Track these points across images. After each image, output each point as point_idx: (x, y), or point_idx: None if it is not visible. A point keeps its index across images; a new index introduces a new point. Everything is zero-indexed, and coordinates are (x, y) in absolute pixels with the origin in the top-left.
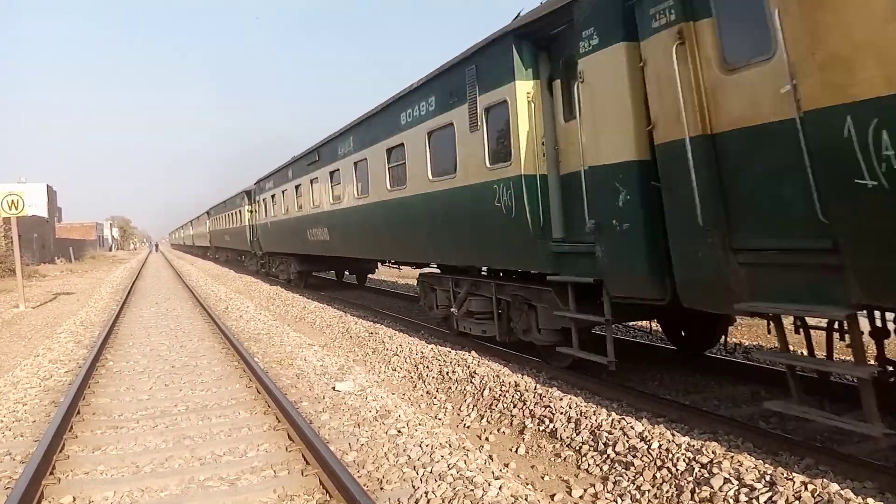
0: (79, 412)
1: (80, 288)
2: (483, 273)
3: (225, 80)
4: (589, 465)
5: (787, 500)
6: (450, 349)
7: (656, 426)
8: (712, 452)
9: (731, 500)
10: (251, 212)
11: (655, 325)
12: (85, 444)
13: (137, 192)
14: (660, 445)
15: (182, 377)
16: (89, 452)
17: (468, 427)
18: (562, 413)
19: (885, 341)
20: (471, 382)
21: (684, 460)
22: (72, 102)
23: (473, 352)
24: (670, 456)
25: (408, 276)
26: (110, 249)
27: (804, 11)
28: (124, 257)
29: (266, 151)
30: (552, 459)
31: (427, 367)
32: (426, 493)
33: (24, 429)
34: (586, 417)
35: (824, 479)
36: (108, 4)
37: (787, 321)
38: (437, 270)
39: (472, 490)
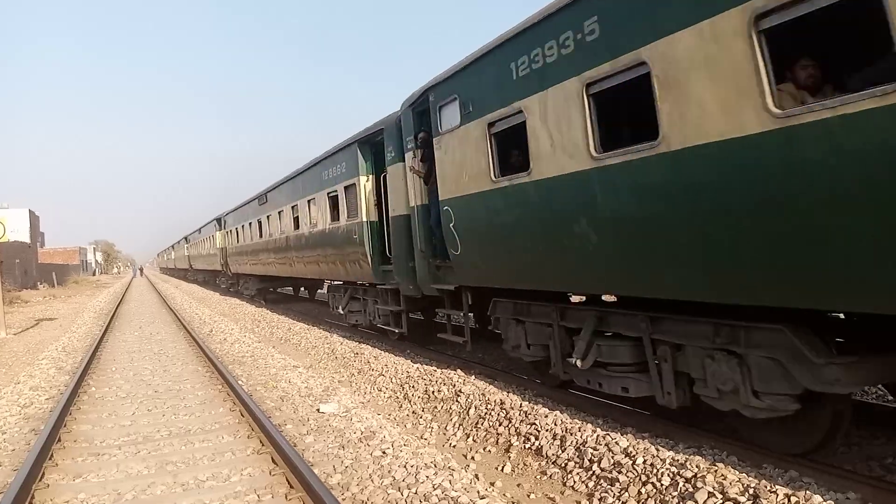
0: (59, 440)
1: (63, 313)
2: None
3: (210, 101)
4: (575, 481)
5: None
6: (435, 368)
7: (641, 441)
8: (696, 466)
9: None
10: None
11: None
12: (65, 472)
13: (121, 217)
14: (644, 461)
15: (165, 402)
16: (70, 480)
17: (454, 446)
18: (547, 430)
19: None
20: (456, 401)
21: (669, 475)
22: (54, 127)
23: (459, 370)
24: (655, 471)
25: None
26: (94, 274)
27: None
28: (108, 282)
29: (249, 172)
30: (538, 477)
31: (413, 386)
32: None
33: (3, 458)
34: (571, 434)
35: (807, 491)
36: (90, 31)
37: None
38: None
39: None
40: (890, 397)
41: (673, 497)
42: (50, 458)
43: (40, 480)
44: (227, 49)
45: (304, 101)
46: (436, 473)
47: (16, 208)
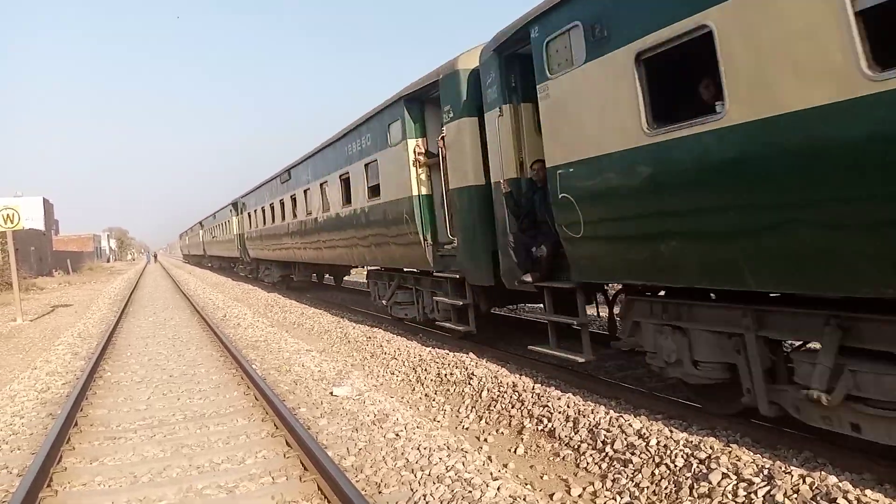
0: (76, 424)
1: (78, 300)
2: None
3: (225, 90)
4: (588, 463)
5: (785, 493)
6: (447, 352)
7: (654, 423)
8: (710, 448)
9: (729, 495)
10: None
11: None
12: (82, 455)
13: (134, 204)
14: (658, 442)
15: (180, 386)
16: (87, 464)
17: (467, 428)
18: (560, 412)
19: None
20: (469, 384)
21: (682, 456)
22: (68, 116)
23: (471, 353)
24: (668, 452)
25: None
26: (108, 261)
27: None
28: (122, 268)
29: (259, 160)
30: (551, 459)
31: (425, 369)
32: (424, 495)
33: (21, 442)
34: (584, 416)
35: (822, 472)
36: (106, 18)
37: None
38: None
39: (471, 492)
40: None
41: (687, 478)
42: (67, 442)
43: (58, 464)
44: (242, 37)
45: (323, 87)
46: (449, 455)
47: (30, 196)
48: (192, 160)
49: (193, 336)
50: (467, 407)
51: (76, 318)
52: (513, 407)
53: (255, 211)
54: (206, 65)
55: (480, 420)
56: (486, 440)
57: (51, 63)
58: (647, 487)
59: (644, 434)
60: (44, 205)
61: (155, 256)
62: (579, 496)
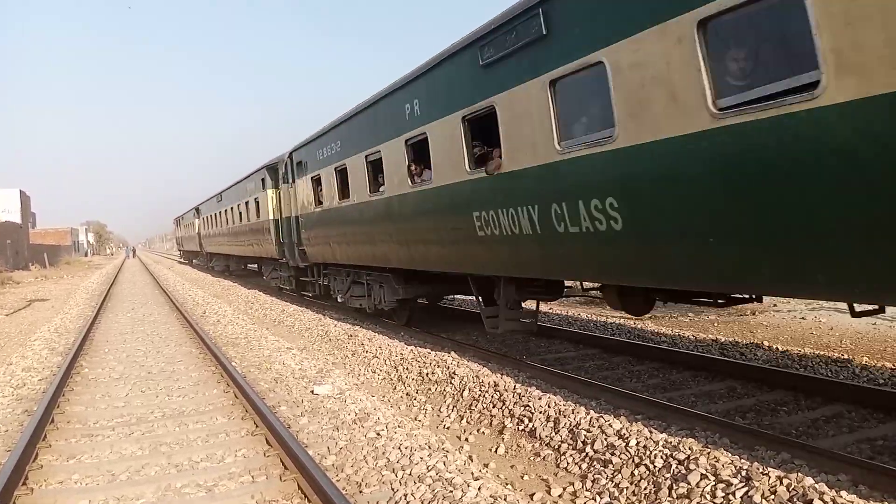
0: (53, 420)
1: (55, 294)
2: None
3: (213, 76)
4: (568, 463)
5: (762, 494)
6: (429, 350)
7: (634, 424)
8: (689, 449)
9: (707, 496)
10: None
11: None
12: (59, 452)
13: (113, 198)
14: (637, 443)
15: (159, 383)
16: (63, 461)
17: (448, 428)
18: (541, 412)
19: None
20: (450, 383)
21: (662, 457)
22: (46, 107)
23: (453, 353)
24: (648, 453)
25: None
26: (86, 255)
27: None
28: (100, 263)
29: (241, 150)
30: (531, 459)
31: (407, 368)
32: (405, 495)
33: None
34: (565, 416)
35: (799, 473)
36: (85, 6)
37: None
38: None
39: (452, 491)
40: (881, 380)
41: (666, 479)
42: (43, 439)
43: (34, 461)
44: (227, 22)
45: (313, 78)
46: (430, 455)
47: (7, 188)
48: (173, 155)
49: (172, 332)
50: (448, 406)
51: (53, 313)
52: (494, 406)
53: None
54: (192, 53)
55: (462, 420)
56: (467, 440)
57: (28, 52)
58: (627, 488)
59: (624, 434)
60: (21, 197)
61: (133, 251)
62: (559, 496)
